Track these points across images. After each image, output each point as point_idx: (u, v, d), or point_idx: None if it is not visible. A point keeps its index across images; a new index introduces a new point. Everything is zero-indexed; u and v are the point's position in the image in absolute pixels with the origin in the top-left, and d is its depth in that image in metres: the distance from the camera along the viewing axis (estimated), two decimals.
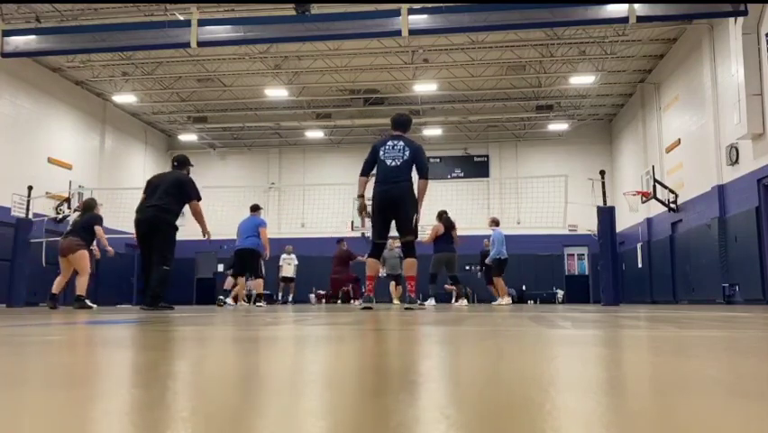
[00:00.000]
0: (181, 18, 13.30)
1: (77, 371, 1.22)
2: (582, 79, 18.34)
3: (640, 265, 19.26)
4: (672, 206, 16.57)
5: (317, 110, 21.66)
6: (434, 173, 22.89)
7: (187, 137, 23.87)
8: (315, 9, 12.04)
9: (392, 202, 6.62)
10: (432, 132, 22.93)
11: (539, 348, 1.73)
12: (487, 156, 23.70)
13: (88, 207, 9.44)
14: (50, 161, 17.89)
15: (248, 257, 10.94)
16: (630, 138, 20.49)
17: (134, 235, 7.45)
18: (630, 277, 20.03)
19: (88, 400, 0.83)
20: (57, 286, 9.12)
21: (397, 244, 10.27)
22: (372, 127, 21.75)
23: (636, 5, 10.96)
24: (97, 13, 14.49)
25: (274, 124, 22.33)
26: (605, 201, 11.78)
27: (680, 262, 16.20)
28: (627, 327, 2.92)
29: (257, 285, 11.26)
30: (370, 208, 6.89)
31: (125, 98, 20.23)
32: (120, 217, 13.68)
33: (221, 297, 11.56)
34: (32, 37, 12.86)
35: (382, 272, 13.19)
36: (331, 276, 15.00)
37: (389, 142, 6.77)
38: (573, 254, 23.17)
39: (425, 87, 19.28)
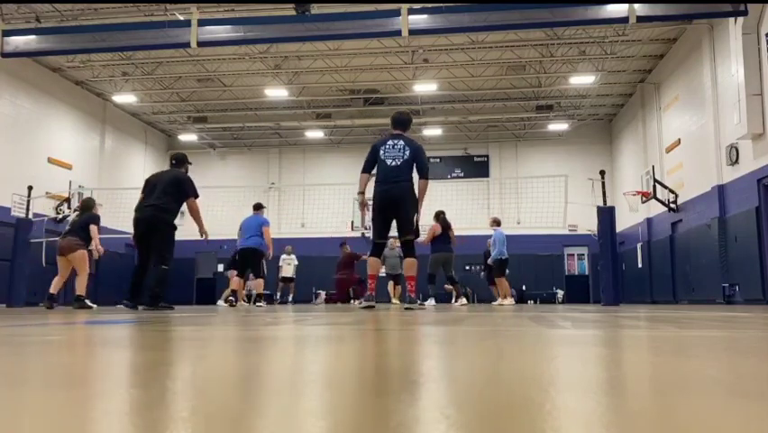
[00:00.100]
0: (181, 18, 13.31)
1: (77, 371, 1.22)
2: (582, 79, 18.35)
3: (640, 265, 19.27)
4: (672, 206, 16.58)
5: (317, 110, 21.67)
6: (434, 173, 22.88)
7: (187, 137, 23.87)
8: (315, 9, 12.05)
9: (392, 202, 6.62)
10: (432, 132, 22.93)
11: (539, 348, 1.73)
12: (487, 156, 23.71)
13: (87, 207, 9.44)
14: (50, 161, 17.90)
15: (251, 256, 10.95)
16: (630, 138, 20.49)
17: (132, 235, 7.46)
18: (630, 277, 20.03)
19: (88, 401, 0.83)
20: (54, 286, 9.11)
21: (398, 243, 10.26)
22: (372, 127, 21.76)
23: (636, 5, 10.96)
24: (97, 13, 14.50)
25: (274, 124, 22.33)
26: (605, 201, 11.78)
27: (680, 262, 16.20)
28: (627, 327, 2.92)
29: (257, 285, 11.27)
30: (370, 209, 6.90)
31: (125, 98, 20.23)
32: (120, 217, 13.69)
33: (231, 298, 11.60)
34: (32, 37, 12.86)
35: (381, 272, 13.19)
36: (336, 278, 15.00)
37: (390, 142, 6.76)
38: (573, 254, 23.17)
39: (425, 87, 19.29)
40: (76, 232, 8.97)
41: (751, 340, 2.12)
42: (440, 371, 1.17)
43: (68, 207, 17.50)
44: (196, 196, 7.59)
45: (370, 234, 7.68)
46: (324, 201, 18.64)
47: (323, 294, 19.96)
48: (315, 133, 23.41)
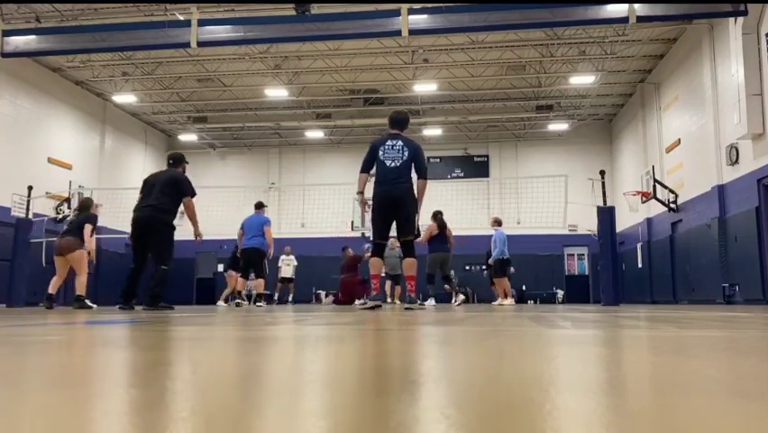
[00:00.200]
0: (181, 18, 13.31)
1: (77, 371, 1.22)
2: (582, 79, 18.35)
3: (640, 265, 19.27)
4: (672, 206, 16.58)
5: (317, 110, 21.67)
6: (434, 173, 22.93)
7: (187, 137, 23.88)
8: (315, 9, 12.05)
9: (393, 203, 6.62)
10: (432, 132, 22.93)
11: (539, 348, 1.73)
12: (487, 156, 23.71)
13: (84, 207, 9.42)
14: (50, 161, 17.90)
15: (254, 256, 10.96)
16: (630, 138, 20.50)
17: (130, 235, 7.45)
18: (630, 277, 20.03)
19: (88, 401, 0.83)
20: (53, 286, 9.08)
21: (398, 243, 10.25)
22: (372, 127, 21.76)
23: (636, 5, 10.96)
24: (97, 13, 14.50)
25: (274, 124, 22.34)
26: (605, 201, 11.78)
27: (680, 262, 16.20)
28: (627, 327, 2.92)
29: (258, 285, 11.28)
30: (369, 208, 6.91)
31: (125, 98, 20.24)
32: (120, 217, 13.68)
33: (238, 300, 11.62)
34: (32, 37, 12.86)
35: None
36: (341, 280, 15.01)
37: (388, 142, 6.74)
38: (573, 254, 23.17)
39: (425, 87, 19.29)
40: (74, 232, 8.96)
41: (751, 340, 2.12)
42: (440, 371, 1.17)
43: (68, 207, 17.50)
44: (194, 195, 7.57)
45: (369, 233, 7.68)
46: (324, 201, 18.64)
47: (328, 296, 19.95)
48: (315, 133, 23.42)
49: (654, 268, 18.11)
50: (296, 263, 17.46)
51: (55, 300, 9.13)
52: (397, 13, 11.49)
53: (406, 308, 6.76)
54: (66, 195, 17.55)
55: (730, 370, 1.19)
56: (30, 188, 13.92)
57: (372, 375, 1.13)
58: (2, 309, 9.64)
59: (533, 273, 21.54)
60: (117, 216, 14.29)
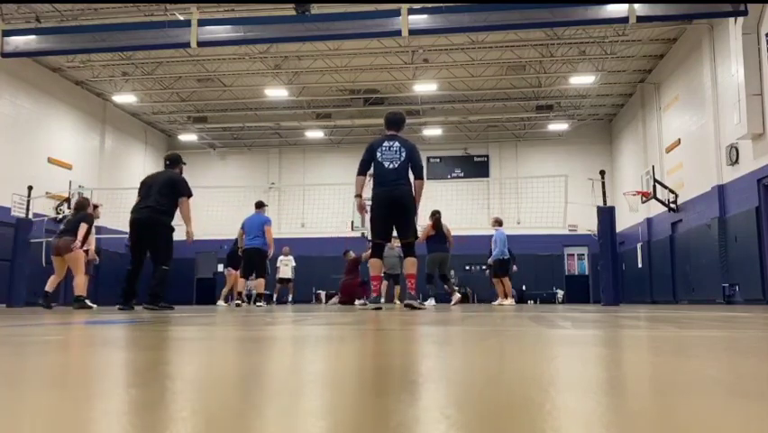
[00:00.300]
0: (181, 18, 13.31)
1: (77, 371, 1.22)
2: (582, 79, 18.35)
3: (640, 265, 19.27)
4: (672, 206, 16.58)
5: (317, 110, 21.67)
6: (434, 173, 22.98)
7: (187, 137, 23.88)
8: (315, 9, 12.05)
9: (393, 205, 6.63)
10: (432, 132, 22.93)
11: (539, 348, 1.73)
12: (487, 156, 23.71)
13: (81, 207, 9.40)
14: (50, 161, 17.90)
15: (256, 256, 10.97)
16: (630, 138, 20.50)
17: (129, 235, 7.44)
18: (630, 277, 20.03)
19: (88, 401, 0.83)
20: (50, 285, 9.06)
21: (397, 243, 10.23)
22: (372, 127, 21.76)
23: (636, 5, 10.96)
24: (97, 13, 14.50)
25: (274, 124, 22.34)
26: (605, 201, 11.78)
27: (680, 262, 16.21)
28: (627, 327, 2.92)
29: (259, 284, 11.29)
30: (368, 209, 6.89)
31: (125, 98, 20.24)
32: (120, 217, 13.66)
33: (238, 302, 11.63)
34: (32, 37, 12.86)
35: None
36: (342, 282, 15.02)
37: (385, 143, 6.74)
38: (573, 254, 23.18)
39: (425, 87, 19.29)
40: (70, 232, 8.92)
41: (751, 340, 2.12)
42: (440, 371, 1.17)
43: (68, 207, 17.50)
44: (190, 196, 7.56)
45: (369, 233, 7.68)
46: (324, 201, 18.64)
47: (331, 297, 19.95)
48: (315, 133, 23.42)
49: (654, 268, 18.11)
50: (294, 264, 17.46)
51: (53, 299, 9.09)
52: (397, 13, 11.49)
53: (406, 305, 6.76)
54: (66, 195, 17.55)
55: (730, 370, 1.19)
56: (30, 188, 13.92)
57: (372, 375, 1.13)
58: (2, 309, 9.64)
59: (533, 273, 21.54)
60: (117, 216, 14.27)
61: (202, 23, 12.13)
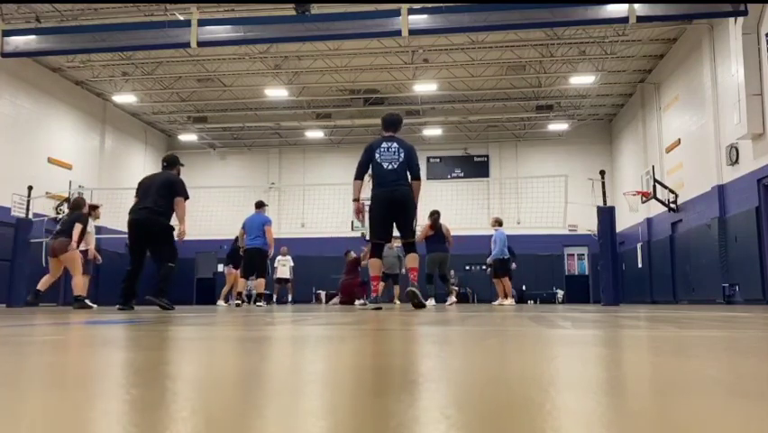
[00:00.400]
0: (181, 18, 13.31)
1: (77, 371, 1.22)
2: (582, 79, 18.35)
3: (640, 265, 19.27)
4: (672, 206, 16.58)
5: (317, 110, 21.67)
6: (434, 173, 22.99)
7: (187, 137, 23.88)
8: (315, 9, 12.05)
9: (395, 205, 6.67)
10: (432, 132, 22.94)
11: (539, 348, 1.73)
12: (487, 156, 23.71)
13: (76, 206, 9.36)
14: (50, 161, 17.90)
15: (257, 256, 10.98)
16: (630, 138, 20.50)
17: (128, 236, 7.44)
18: (630, 277, 20.03)
19: (88, 401, 0.83)
20: (43, 284, 8.98)
21: (396, 243, 10.25)
22: (372, 127, 21.76)
23: (636, 5, 10.96)
24: (97, 13, 14.50)
25: (274, 124, 22.34)
26: (605, 201, 11.78)
27: (680, 262, 16.21)
28: (627, 327, 2.92)
29: (259, 284, 11.31)
30: (367, 209, 6.92)
31: (125, 98, 20.24)
32: (120, 217, 13.64)
33: (237, 301, 11.62)
34: (32, 37, 12.86)
35: None
36: (342, 282, 15.04)
37: (384, 144, 6.78)
38: (573, 254, 23.18)
39: (425, 87, 19.29)
40: (66, 233, 8.88)
41: (751, 340, 2.12)
42: (440, 371, 1.17)
43: (68, 207, 17.50)
44: (186, 197, 7.57)
45: (368, 233, 7.69)
46: (324, 201, 18.66)
47: (332, 297, 19.95)
48: (315, 133, 23.42)
49: (654, 268, 18.11)
50: (292, 264, 17.46)
51: (45, 299, 8.99)
52: (397, 13, 11.50)
53: (409, 290, 6.77)
54: (66, 195, 17.55)
55: (730, 370, 1.19)
56: (30, 188, 13.92)
57: (372, 375, 1.13)
58: (2, 309, 9.64)
59: (533, 273, 21.55)
60: (117, 216, 14.26)
61: (202, 22, 12.13)
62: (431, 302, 12.18)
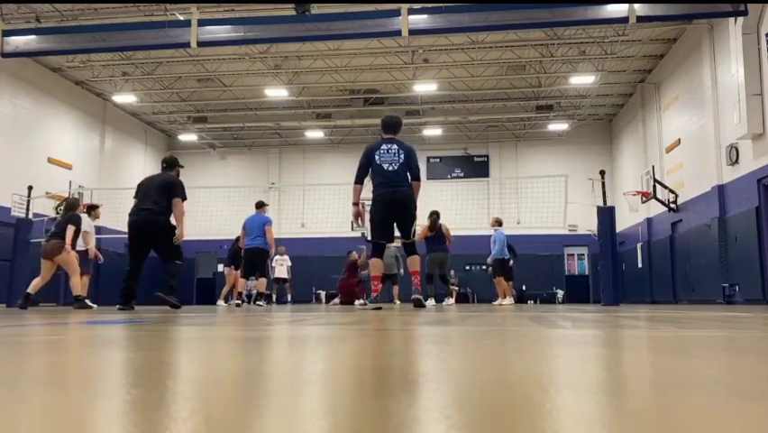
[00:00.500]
0: (181, 18, 13.31)
1: (77, 371, 1.22)
2: (582, 79, 18.35)
3: (640, 265, 19.27)
4: (672, 206, 16.58)
5: (317, 110, 21.67)
6: (434, 173, 22.99)
7: (187, 137, 23.88)
8: (315, 9, 12.05)
9: (396, 206, 6.74)
10: (432, 132, 22.94)
11: (539, 348, 1.73)
12: (487, 156, 23.71)
13: (69, 207, 9.31)
14: (50, 161, 17.90)
15: (257, 256, 10.98)
16: (630, 138, 20.50)
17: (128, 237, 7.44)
18: (630, 277, 20.03)
19: (88, 401, 0.83)
20: (33, 287, 8.85)
21: (394, 243, 10.23)
22: (372, 127, 21.76)
23: (636, 5, 10.97)
24: (97, 13, 14.50)
25: (274, 124, 22.34)
26: (605, 201, 11.78)
27: (680, 262, 16.21)
28: (627, 327, 2.92)
29: (260, 284, 11.32)
30: (368, 211, 6.96)
31: (125, 98, 20.24)
32: (120, 218, 13.65)
33: (237, 301, 11.62)
34: (32, 37, 12.87)
35: None
36: (339, 282, 15.06)
37: (383, 146, 6.83)
38: (573, 254, 23.18)
39: (425, 87, 19.29)
40: (60, 234, 8.81)
41: (751, 340, 2.12)
42: (440, 371, 1.17)
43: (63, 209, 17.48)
44: (184, 199, 7.58)
45: (368, 233, 7.71)
46: (324, 201, 18.66)
47: (332, 297, 19.95)
48: (315, 133, 23.42)
49: (654, 268, 18.11)
50: (289, 263, 17.46)
51: (31, 301, 8.90)
52: (397, 13, 11.50)
53: (414, 298, 6.84)
54: (66, 195, 17.55)
55: (730, 370, 1.19)
56: (30, 188, 13.92)
57: (372, 375, 1.13)
58: (2, 309, 9.63)
59: (533, 273, 21.55)
60: (117, 216, 14.26)
61: (202, 22, 12.13)
62: (431, 302, 12.19)
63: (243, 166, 24.74)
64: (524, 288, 21.37)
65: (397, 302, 13.52)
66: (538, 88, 19.64)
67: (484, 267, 16.02)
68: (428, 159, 23.11)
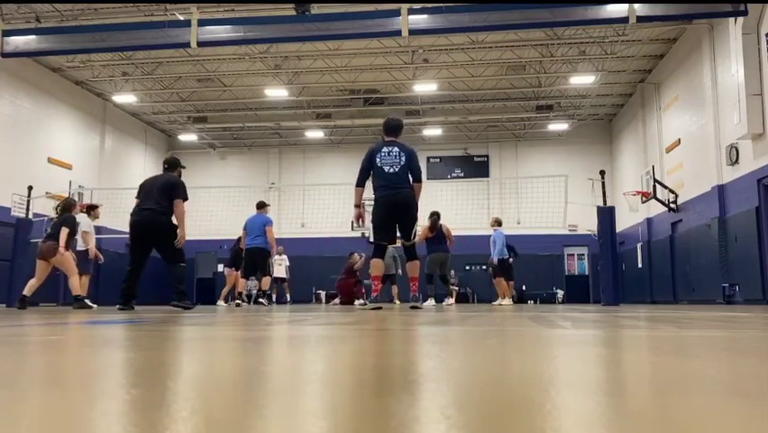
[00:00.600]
0: (181, 18, 13.31)
1: (77, 371, 1.22)
2: (582, 79, 18.35)
3: (640, 265, 19.27)
4: (672, 206, 16.58)
5: (317, 110, 21.67)
6: (434, 173, 22.98)
7: (187, 137, 23.88)
8: (315, 9, 12.05)
9: (398, 208, 6.78)
10: (432, 132, 22.93)
11: (539, 348, 1.73)
12: (487, 156, 23.71)
13: (65, 208, 9.25)
14: (50, 161, 17.90)
15: (258, 256, 10.98)
16: (630, 138, 20.50)
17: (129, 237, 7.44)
18: (630, 277, 20.03)
19: (88, 401, 0.83)
20: (29, 288, 8.81)
21: (392, 244, 10.22)
22: (372, 127, 21.76)
23: (636, 5, 10.96)
24: (97, 13, 14.50)
25: (274, 124, 22.34)
26: (605, 201, 11.78)
27: (680, 262, 16.21)
28: (627, 328, 2.92)
29: (265, 282, 11.34)
30: (369, 213, 6.99)
31: (125, 98, 20.24)
32: (120, 217, 13.68)
33: (238, 302, 11.62)
34: (32, 37, 12.86)
35: None
36: (338, 282, 15.06)
37: (384, 149, 6.87)
38: (573, 254, 23.18)
39: (425, 87, 19.29)
40: (55, 235, 8.75)
41: (751, 340, 2.12)
42: (440, 371, 1.17)
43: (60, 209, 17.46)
44: (185, 199, 7.58)
45: (369, 234, 7.73)
46: (324, 201, 18.65)
47: (332, 298, 19.95)
48: (315, 133, 23.42)
49: (654, 268, 18.10)
50: (288, 263, 17.47)
51: (27, 303, 8.86)
52: (397, 13, 11.49)
53: (412, 307, 6.89)
54: (66, 195, 17.53)
55: (730, 370, 1.19)
56: (30, 188, 13.92)
57: (372, 375, 1.13)
58: (2, 309, 9.63)
59: (533, 273, 21.54)
60: (117, 216, 14.28)
61: (202, 22, 12.13)
62: (431, 302, 12.19)
63: (243, 166, 24.74)
64: (524, 288, 21.37)
65: (397, 302, 13.52)
66: (538, 88, 19.64)
67: (484, 267, 16.01)
68: (428, 159, 23.10)
